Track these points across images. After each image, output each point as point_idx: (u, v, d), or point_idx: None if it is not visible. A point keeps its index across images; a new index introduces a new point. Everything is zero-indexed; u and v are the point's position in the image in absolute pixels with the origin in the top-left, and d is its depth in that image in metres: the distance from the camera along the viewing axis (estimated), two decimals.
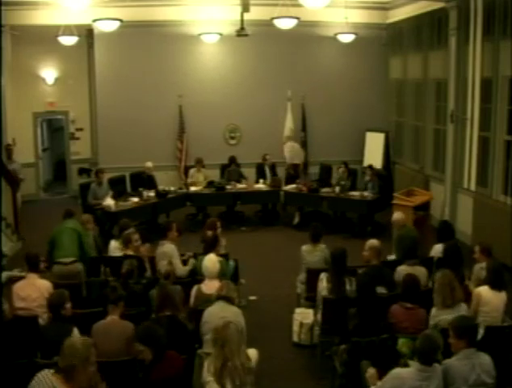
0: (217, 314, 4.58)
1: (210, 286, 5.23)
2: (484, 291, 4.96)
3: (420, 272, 5.65)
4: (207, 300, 4.98)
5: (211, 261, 5.52)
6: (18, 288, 5.35)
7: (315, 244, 6.47)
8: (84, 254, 6.59)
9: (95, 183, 9.77)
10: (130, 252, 6.22)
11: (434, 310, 4.75)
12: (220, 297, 4.72)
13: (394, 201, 9.19)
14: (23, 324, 4.67)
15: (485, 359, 3.83)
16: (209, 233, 6.63)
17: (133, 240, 6.38)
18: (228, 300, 4.70)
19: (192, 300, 5.30)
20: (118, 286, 4.72)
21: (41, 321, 4.90)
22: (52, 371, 3.15)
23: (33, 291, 5.29)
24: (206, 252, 5.94)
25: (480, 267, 5.54)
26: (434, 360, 3.71)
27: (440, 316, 4.65)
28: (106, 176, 10.11)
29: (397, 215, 7.43)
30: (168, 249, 6.30)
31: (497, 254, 6.57)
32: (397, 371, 3.77)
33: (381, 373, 3.95)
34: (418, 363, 3.70)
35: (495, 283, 4.96)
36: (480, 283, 5.25)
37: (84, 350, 3.13)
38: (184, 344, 4.34)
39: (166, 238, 6.50)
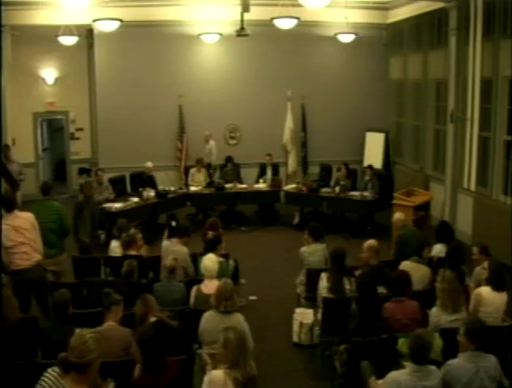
0: (215, 326, 4.46)
1: (210, 286, 5.21)
2: (485, 292, 4.95)
3: (423, 270, 5.67)
4: (207, 300, 4.96)
5: (210, 261, 5.52)
6: (8, 222, 5.51)
7: (316, 243, 6.48)
8: (65, 230, 6.59)
9: (95, 183, 9.78)
10: (133, 252, 6.19)
11: (435, 310, 4.77)
12: (217, 307, 4.60)
13: (394, 201, 9.21)
14: (24, 325, 4.67)
15: (490, 362, 3.83)
16: (210, 233, 6.62)
17: (138, 240, 6.36)
18: (217, 308, 4.59)
19: (192, 300, 5.30)
20: (111, 291, 4.67)
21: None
22: (57, 370, 3.09)
23: (22, 222, 5.59)
24: (206, 252, 5.93)
25: (483, 268, 5.52)
26: (427, 359, 3.73)
27: (441, 316, 4.67)
28: (106, 176, 10.11)
29: (398, 215, 7.41)
30: (180, 250, 6.25)
31: (497, 254, 6.59)
32: (393, 375, 3.77)
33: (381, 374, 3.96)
34: (412, 363, 3.72)
35: (497, 283, 4.96)
36: (480, 284, 5.25)
37: (97, 345, 3.12)
38: (176, 345, 4.29)
39: (179, 239, 6.43)
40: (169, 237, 6.63)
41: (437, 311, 4.73)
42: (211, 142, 11.90)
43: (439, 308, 4.73)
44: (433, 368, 3.77)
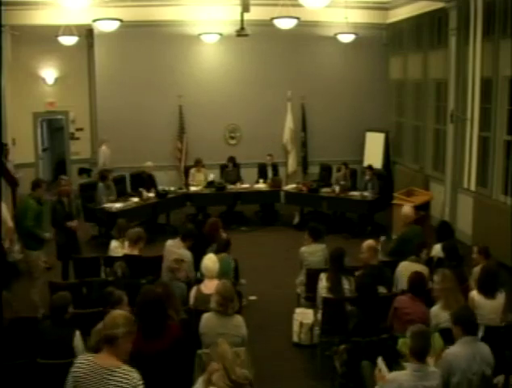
0: (214, 329, 4.45)
1: (209, 286, 5.20)
2: (476, 295, 4.89)
3: (421, 270, 5.66)
4: (207, 300, 4.94)
5: (210, 260, 5.51)
6: None
7: (316, 242, 6.48)
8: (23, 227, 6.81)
9: (103, 185, 9.79)
10: (136, 252, 6.17)
11: (435, 309, 4.76)
12: (217, 311, 4.55)
13: (394, 201, 9.21)
14: (24, 325, 4.67)
15: (485, 349, 3.92)
16: (224, 235, 6.60)
17: (143, 239, 6.32)
18: (224, 313, 4.54)
19: (192, 300, 5.29)
20: (114, 289, 4.70)
21: None
22: (90, 355, 3.22)
23: None
24: (219, 252, 5.94)
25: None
26: (427, 355, 3.77)
27: (441, 314, 4.67)
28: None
29: (407, 209, 7.23)
30: (183, 253, 6.18)
31: (497, 254, 6.58)
32: (393, 375, 3.78)
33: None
34: (413, 363, 3.73)
35: (486, 290, 4.86)
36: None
37: (125, 322, 3.20)
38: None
39: (183, 242, 6.38)
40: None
41: (437, 310, 4.73)
42: (103, 147, 11.76)
43: (440, 308, 4.72)
44: (432, 368, 3.79)
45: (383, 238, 7.21)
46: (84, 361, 3.16)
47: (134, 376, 3.09)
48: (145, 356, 3.88)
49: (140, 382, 3.10)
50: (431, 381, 3.69)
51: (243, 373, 3.76)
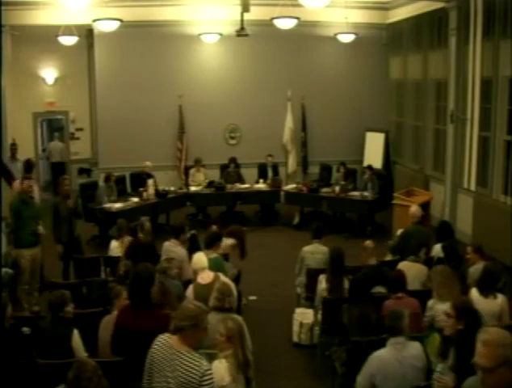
0: (215, 328, 4.43)
1: (205, 277, 5.22)
2: (474, 295, 4.81)
3: (419, 268, 5.67)
4: (206, 290, 4.88)
5: (195, 257, 5.52)
6: None
7: (317, 241, 6.50)
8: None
9: (105, 187, 9.79)
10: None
11: (430, 302, 4.79)
12: (215, 307, 4.49)
13: (394, 201, 9.20)
14: (23, 325, 4.67)
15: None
16: (214, 227, 6.57)
17: None
18: (223, 310, 4.50)
19: (191, 296, 5.24)
20: (115, 285, 4.75)
21: None
22: (168, 335, 3.31)
23: None
24: (206, 247, 5.89)
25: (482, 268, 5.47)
26: (401, 329, 3.91)
27: (435, 306, 4.69)
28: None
29: (414, 208, 7.19)
30: (179, 252, 6.18)
31: (497, 254, 6.58)
32: (376, 353, 3.90)
33: None
34: (390, 337, 3.89)
35: (483, 287, 4.80)
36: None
37: (194, 316, 3.25)
38: None
39: (178, 240, 6.36)
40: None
41: (432, 303, 4.77)
42: (52, 143, 12.96)
43: (434, 299, 4.76)
44: (410, 341, 3.93)
45: (390, 242, 7.20)
46: (161, 339, 3.28)
47: (203, 363, 3.16)
48: (131, 331, 3.95)
49: (210, 372, 3.16)
50: (410, 352, 3.85)
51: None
